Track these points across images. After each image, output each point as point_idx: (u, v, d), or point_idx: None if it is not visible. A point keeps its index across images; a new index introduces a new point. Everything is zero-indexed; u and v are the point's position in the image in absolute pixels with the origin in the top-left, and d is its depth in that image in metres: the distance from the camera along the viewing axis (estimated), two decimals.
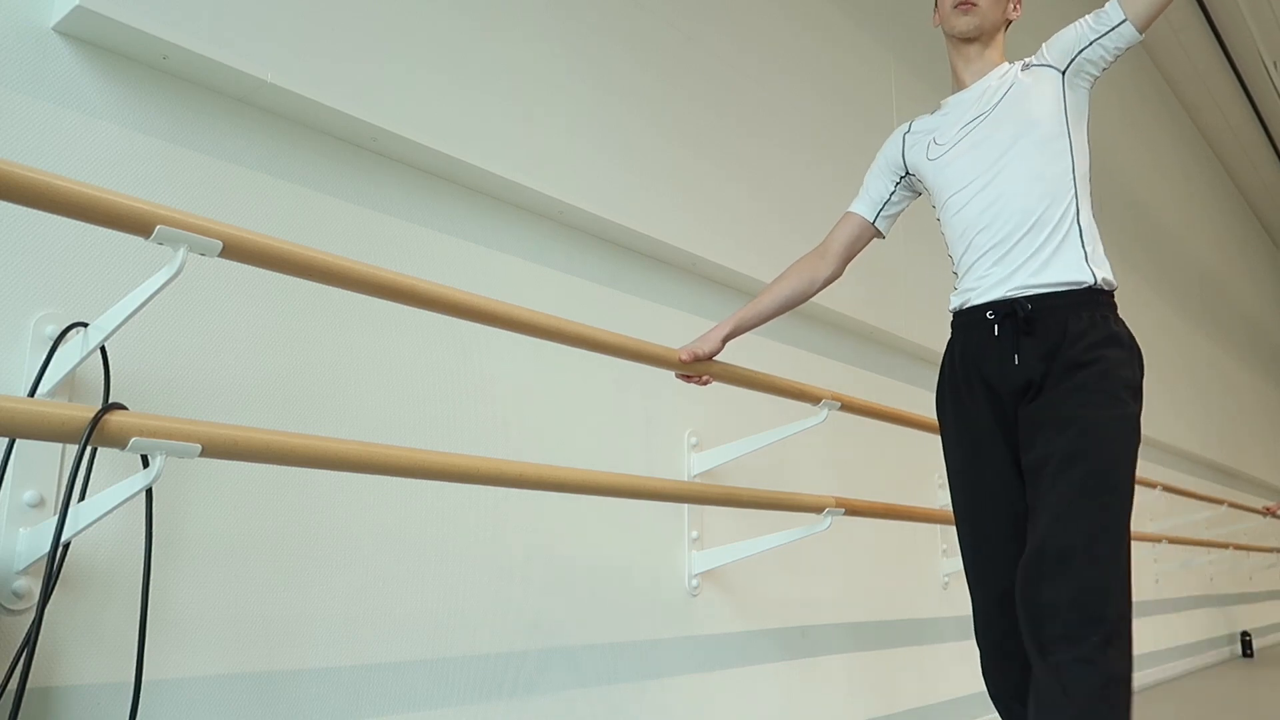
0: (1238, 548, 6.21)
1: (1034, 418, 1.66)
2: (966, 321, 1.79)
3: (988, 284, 1.74)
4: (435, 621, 1.77)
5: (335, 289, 1.69)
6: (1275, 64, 6.89)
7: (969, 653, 3.48)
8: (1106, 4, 1.70)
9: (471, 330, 1.92)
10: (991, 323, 1.72)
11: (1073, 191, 1.73)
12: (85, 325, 1.31)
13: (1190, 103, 7.85)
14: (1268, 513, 6.57)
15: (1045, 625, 1.53)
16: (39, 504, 1.28)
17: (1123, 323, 1.71)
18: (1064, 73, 1.77)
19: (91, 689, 1.32)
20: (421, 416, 1.81)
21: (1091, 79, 1.78)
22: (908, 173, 1.96)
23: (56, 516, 1.16)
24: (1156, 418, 5.66)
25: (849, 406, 2.39)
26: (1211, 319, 7.52)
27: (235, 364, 1.55)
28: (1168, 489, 4.85)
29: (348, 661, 1.63)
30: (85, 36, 1.43)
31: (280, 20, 1.62)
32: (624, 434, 2.24)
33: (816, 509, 2.28)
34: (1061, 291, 1.68)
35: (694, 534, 2.36)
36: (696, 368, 1.97)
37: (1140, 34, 1.68)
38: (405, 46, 1.82)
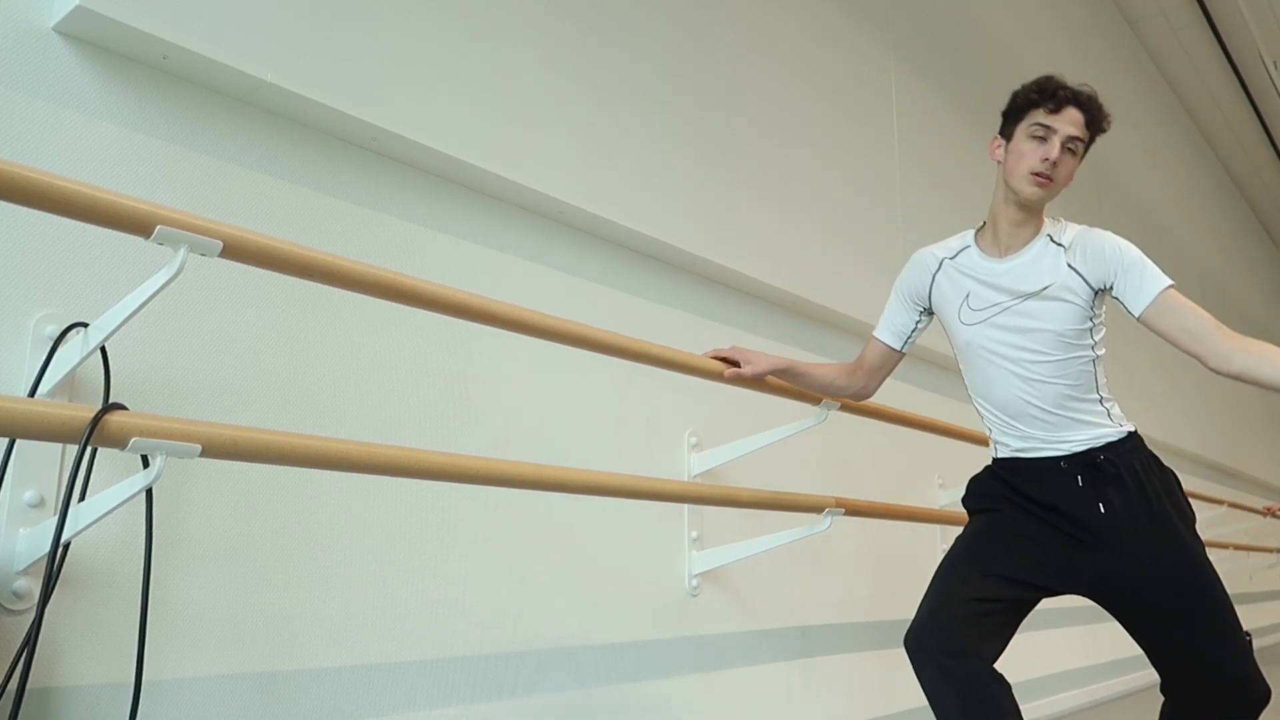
0: (1238, 548, 6.21)
1: (1148, 580, 1.77)
2: (1029, 467, 1.85)
3: (1040, 445, 1.84)
4: (435, 621, 1.77)
5: (335, 289, 1.69)
6: (1275, 64, 6.89)
7: None
8: (1147, 288, 1.75)
9: (471, 330, 1.92)
10: (1070, 473, 1.80)
11: (1093, 372, 1.83)
12: (85, 325, 1.31)
13: (1190, 103, 7.85)
14: (1269, 513, 6.56)
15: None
16: (39, 504, 1.28)
17: (1156, 460, 1.85)
18: (1095, 291, 1.81)
19: (91, 689, 1.32)
20: (421, 416, 1.81)
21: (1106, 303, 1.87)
22: (930, 309, 2.00)
23: (56, 516, 1.16)
24: (1157, 418, 5.66)
25: (849, 407, 2.39)
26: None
27: (235, 364, 1.55)
28: None
29: (348, 661, 1.62)
30: (85, 36, 1.43)
31: (280, 20, 1.62)
32: (624, 434, 2.24)
33: (816, 509, 2.28)
34: (1118, 441, 1.80)
35: (694, 534, 2.36)
36: (722, 365, 2.06)
37: (1137, 319, 1.78)
38: (405, 46, 1.82)
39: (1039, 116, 1.80)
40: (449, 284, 1.77)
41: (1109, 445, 1.79)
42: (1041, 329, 1.80)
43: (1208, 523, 6.37)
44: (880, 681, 2.99)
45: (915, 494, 3.34)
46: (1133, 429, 1.84)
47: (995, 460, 1.94)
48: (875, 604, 3.04)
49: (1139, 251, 1.79)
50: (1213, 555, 6.26)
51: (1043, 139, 1.79)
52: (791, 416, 2.40)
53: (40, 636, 1.27)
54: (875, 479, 3.14)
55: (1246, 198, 9.74)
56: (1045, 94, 1.81)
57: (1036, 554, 1.82)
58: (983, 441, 3.15)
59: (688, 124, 2.51)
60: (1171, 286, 1.75)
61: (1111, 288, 1.79)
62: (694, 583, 2.35)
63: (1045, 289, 1.80)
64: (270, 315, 1.61)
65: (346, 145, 1.78)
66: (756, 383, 2.14)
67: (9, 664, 1.21)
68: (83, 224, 1.38)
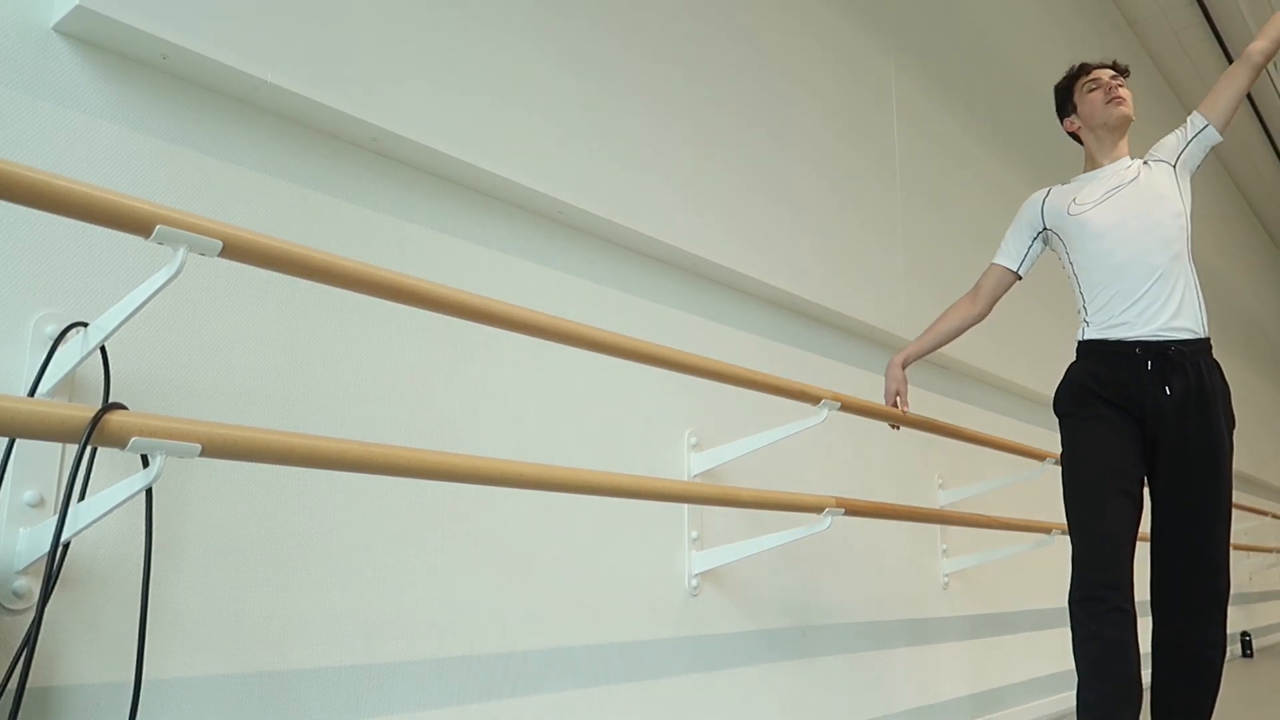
0: (1238, 548, 6.21)
1: (1183, 454, 2.18)
2: (1110, 351, 2.25)
3: (1129, 323, 2.22)
4: (435, 621, 1.77)
5: (335, 289, 1.69)
6: (1275, 64, 6.89)
7: (969, 653, 3.48)
8: (1193, 117, 2.31)
9: (471, 330, 1.92)
10: (1143, 358, 2.20)
11: (1188, 254, 2.26)
12: (85, 325, 1.31)
13: (1190, 103, 7.85)
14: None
15: (1196, 634, 2.15)
16: (39, 504, 1.28)
17: (1219, 365, 2.26)
18: (1174, 166, 2.33)
19: (91, 689, 1.32)
20: (421, 416, 1.81)
21: (1193, 170, 2.34)
22: (1045, 228, 2.44)
23: (56, 516, 1.16)
24: None
25: (849, 406, 2.39)
26: (1211, 319, 7.53)
27: (235, 364, 1.55)
28: None
29: (348, 661, 1.63)
30: (85, 36, 1.43)
31: (280, 20, 1.62)
32: (624, 434, 2.24)
33: (816, 509, 2.28)
34: (1191, 340, 2.20)
35: (694, 534, 2.36)
36: (898, 415, 2.51)
37: (1221, 135, 2.30)
38: (405, 46, 1.82)
39: (1083, 81, 2.42)
40: (449, 284, 1.78)
41: (1182, 341, 2.18)
42: (1146, 194, 2.26)
43: None
44: (880, 681, 2.99)
45: (915, 494, 3.34)
46: (1206, 335, 2.23)
47: (1081, 343, 2.32)
48: (875, 604, 3.04)
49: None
50: None
51: (1097, 85, 2.38)
52: (791, 416, 2.40)
53: (40, 636, 1.27)
54: (875, 479, 3.14)
55: (1246, 197, 9.75)
56: (1077, 70, 2.46)
57: (1131, 450, 2.19)
58: (983, 441, 3.16)
59: (688, 124, 2.51)
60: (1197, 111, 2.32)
61: (1180, 153, 2.32)
62: (694, 583, 2.35)
63: (1138, 177, 2.31)
64: (270, 315, 1.61)
65: (346, 145, 1.78)
66: (753, 379, 2.14)
67: (9, 664, 1.21)
68: (83, 224, 1.38)
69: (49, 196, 1.08)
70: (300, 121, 1.70)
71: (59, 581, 1.31)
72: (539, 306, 2.08)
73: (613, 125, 2.27)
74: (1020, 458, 3.35)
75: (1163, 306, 2.19)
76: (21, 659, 1.17)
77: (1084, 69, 2.44)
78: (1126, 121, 2.37)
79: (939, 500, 3.47)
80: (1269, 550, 6.97)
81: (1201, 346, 2.21)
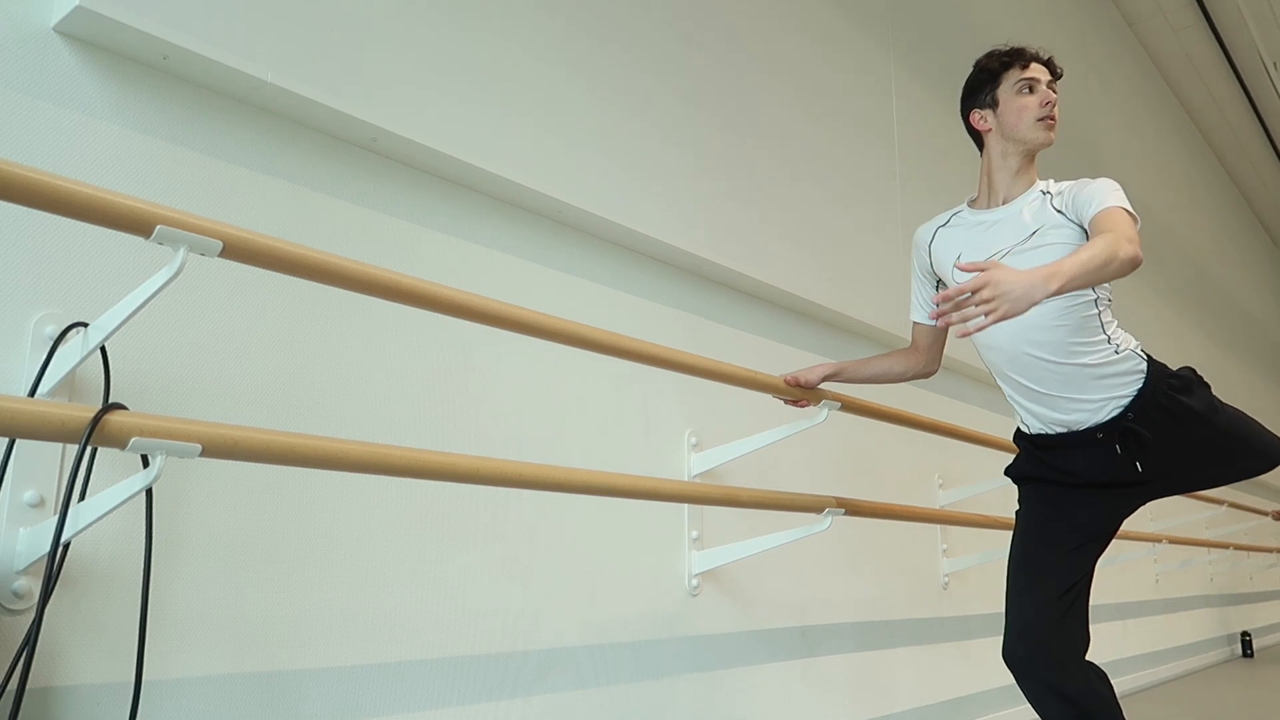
0: (1238, 548, 6.21)
1: (1173, 473, 1.93)
2: (1066, 443, 1.91)
3: (1067, 411, 1.88)
4: (435, 621, 1.77)
5: (335, 289, 1.69)
6: (1275, 64, 6.89)
7: (968, 653, 3.48)
8: (1096, 202, 1.78)
9: (471, 330, 1.92)
10: (1107, 443, 1.87)
11: (1096, 315, 1.86)
12: (85, 325, 1.31)
13: (1190, 103, 7.85)
14: (1277, 517, 6.57)
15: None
16: (39, 504, 1.28)
17: (1164, 369, 1.91)
18: (1083, 229, 1.83)
19: (91, 689, 1.32)
20: (422, 416, 1.81)
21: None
22: (939, 279, 2.08)
23: (56, 516, 1.16)
24: None
25: (849, 406, 2.39)
26: (1211, 318, 7.52)
27: (235, 364, 1.55)
28: None
29: (348, 661, 1.63)
30: (85, 36, 1.43)
31: (280, 20, 1.62)
32: (624, 434, 2.24)
33: (816, 509, 2.28)
34: (1137, 394, 1.84)
35: (694, 534, 2.36)
36: (795, 393, 2.20)
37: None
38: (405, 46, 1.82)
39: (1017, 75, 1.94)
40: (449, 284, 1.78)
41: (1133, 403, 1.84)
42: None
43: (1208, 523, 6.38)
44: (880, 681, 2.99)
45: (915, 494, 3.34)
46: (1143, 363, 1.87)
47: (1026, 438, 2.00)
48: (875, 604, 3.04)
49: (1113, 188, 1.81)
50: (1213, 555, 6.20)
51: (1032, 89, 1.93)
52: (791, 416, 2.40)
53: (40, 636, 1.27)
54: (875, 479, 3.14)
55: (1246, 197, 9.74)
56: (1015, 55, 1.96)
57: (1096, 514, 1.92)
58: (983, 441, 3.16)
59: (688, 124, 2.51)
60: (1123, 209, 1.74)
61: (1082, 224, 1.82)
62: (694, 583, 2.35)
63: (1034, 234, 1.86)
64: (270, 315, 1.61)
65: (346, 145, 1.78)
66: (754, 379, 2.14)
67: (9, 664, 1.21)
68: (83, 224, 1.38)
69: (49, 196, 1.08)
70: (300, 121, 1.70)
71: (59, 581, 1.31)
72: (539, 306, 2.08)
73: (613, 125, 2.27)
74: None
75: (1091, 390, 1.85)
76: (21, 659, 1.17)
77: (1021, 57, 1.95)
78: (1046, 147, 1.95)
79: (939, 500, 3.47)
80: (1269, 550, 6.97)
81: (1150, 389, 1.85)
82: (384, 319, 1.78)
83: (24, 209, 1.32)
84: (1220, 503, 5.79)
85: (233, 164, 1.60)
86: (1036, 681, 1.87)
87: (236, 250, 1.24)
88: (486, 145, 1.94)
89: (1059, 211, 1.86)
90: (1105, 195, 1.78)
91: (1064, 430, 1.91)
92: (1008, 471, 2.08)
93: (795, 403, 2.26)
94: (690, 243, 2.43)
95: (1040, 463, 1.97)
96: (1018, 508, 2.05)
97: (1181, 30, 6.80)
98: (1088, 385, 1.85)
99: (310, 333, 1.66)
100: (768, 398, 2.60)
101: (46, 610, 1.27)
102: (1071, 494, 1.94)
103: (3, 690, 1.19)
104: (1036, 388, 1.89)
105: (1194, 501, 5.72)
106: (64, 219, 1.32)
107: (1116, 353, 1.86)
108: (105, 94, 1.45)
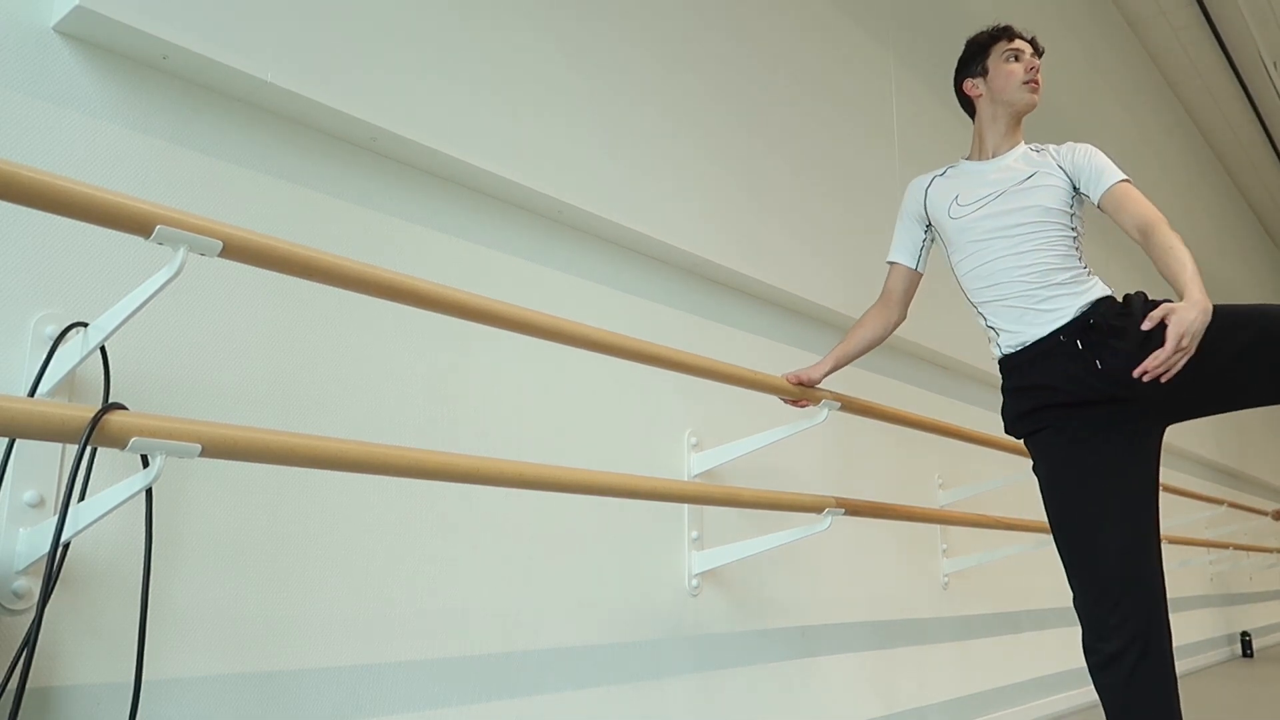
0: (1238, 548, 6.21)
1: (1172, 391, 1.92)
2: (1035, 352, 2.03)
3: (1037, 323, 2.02)
4: (435, 621, 1.77)
5: (335, 289, 1.69)
6: (1275, 64, 6.89)
7: (968, 653, 3.48)
8: (1105, 179, 2.03)
9: (471, 330, 1.92)
10: (1069, 342, 1.98)
11: (1074, 248, 2.07)
12: (85, 325, 1.31)
13: (1190, 103, 7.85)
14: (1277, 516, 6.57)
15: None
16: (39, 504, 1.28)
17: (1136, 298, 2.01)
18: (1071, 181, 2.09)
19: (91, 689, 1.32)
20: (421, 416, 1.81)
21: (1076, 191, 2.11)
22: (930, 223, 2.26)
23: (56, 516, 1.16)
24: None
25: (849, 406, 2.39)
26: None
27: (235, 364, 1.55)
28: (1167, 489, 4.85)
29: (348, 661, 1.63)
30: (85, 36, 1.43)
31: (280, 20, 1.62)
32: (624, 434, 2.24)
33: (816, 509, 2.28)
34: (1098, 300, 2.00)
35: (694, 534, 2.36)
36: (796, 392, 2.25)
37: (1097, 208, 2.06)
38: (405, 46, 1.82)
39: (1004, 46, 2.19)
40: (449, 284, 1.78)
41: (1093, 306, 1.98)
42: (1026, 206, 2.05)
43: (1208, 523, 6.38)
44: (880, 681, 2.99)
45: (915, 494, 3.34)
46: (1110, 292, 2.03)
47: (1002, 360, 2.11)
48: (875, 604, 3.04)
49: (1105, 157, 2.09)
50: (1213, 555, 6.19)
51: (1017, 58, 2.17)
52: (791, 416, 2.40)
53: (40, 636, 1.27)
54: (875, 479, 3.14)
55: (1246, 197, 9.74)
56: (1000, 30, 2.22)
57: (1117, 457, 1.96)
58: (983, 441, 3.16)
59: (688, 124, 2.51)
60: (1126, 180, 2.02)
61: (1078, 182, 2.07)
62: (694, 583, 2.35)
63: (1029, 178, 2.09)
64: (270, 315, 1.61)
65: (346, 145, 1.78)
66: (754, 379, 2.14)
67: (9, 664, 1.21)
68: (83, 224, 1.38)
69: (49, 196, 1.08)
70: (300, 121, 1.70)
71: (59, 581, 1.31)
72: (539, 306, 2.08)
73: (612, 125, 2.27)
74: (1020, 457, 3.35)
75: (1061, 299, 2.00)
76: (21, 659, 1.17)
77: (1008, 32, 2.20)
78: (1031, 109, 2.17)
79: (939, 500, 3.47)
80: (1269, 550, 6.97)
81: (1109, 301, 2.00)
82: (384, 319, 1.78)
83: (24, 209, 1.32)
84: (1220, 502, 5.79)
85: (233, 164, 1.60)
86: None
87: (236, 250, 1.24)
88: (487, 145, 1.94)
89: (1055, 162, 2.10)
90: (1109, 168, 2.04)
91: (1035, 340, 2.02)
92: (1009, 430, 2.14)
93: (796, 403, 2.30)
94: (690, 242, 2.43)
95: (1024, 393, 2.05)
96: (1039, 470, 2.09)
97: (1181, 30, 6.80)
98: (1058, 298, 2.01)
99: (310, 333, 1.66)
100: (768, 398, 2.60)
101: (46, 610, 1.27)
102: (1081, 429, 1.98)
103: (3, 690, 1.19)
104: (1017, 305, 2.04)
105: (1194, 502, 5.72)
106: (64, 219, 1.32)
107: (1088, 275, 2.05)
108: (105, 94, 1.45)
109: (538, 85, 2.09)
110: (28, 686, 1.23)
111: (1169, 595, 5.57)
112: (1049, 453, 2.02)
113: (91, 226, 1.38)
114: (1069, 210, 2.07)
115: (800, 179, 2.92)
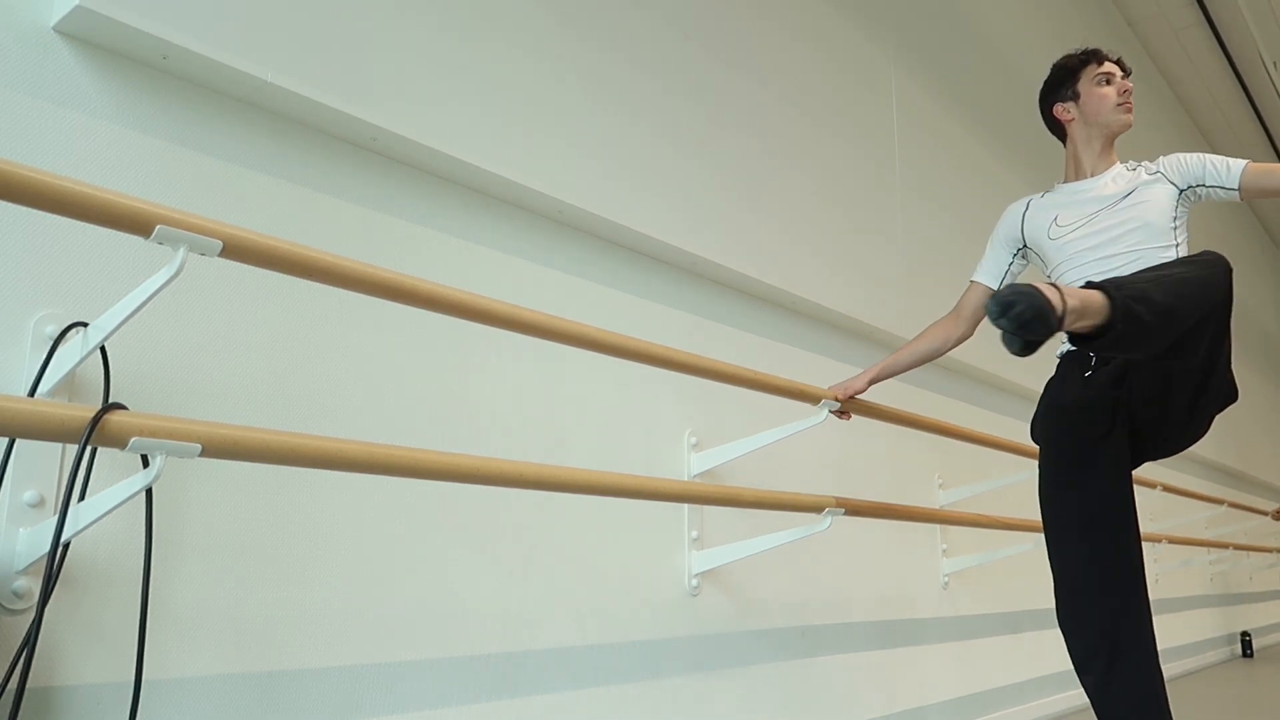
0: (1238, 548, 6.21)
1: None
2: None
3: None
4: (435, 621, 1.77)
5: (335, 289, 1.69)
6: (1275, 64, 6.89)
7: (968, 653, 3.48)
8: (1234, 165, 2.05)
9: (471, 330, 1.92)
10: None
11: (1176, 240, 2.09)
12: (85, 325, 1.31)
13: (1190, 103, 7.85)
14: (1277, 516, 6.57)
15: None
16: (39, 504, 1.28)
17: None
18: (1181, 191, 2.12)
19: (91, 689, 1.32)
20: (421, 416, 1.81)
21: (1195, 201, 2.14)
22: (1025, 245, 2.29)
23: (56, 516, 1.16)
24: None
25: (849, 406, 2.39)
26: None
27: (235, 364, 1.55)
28: (1167, 489, 4.85)
29: (348, 661, 1.63)
30: (85, 36, 1.43)
31: (280, 20, 1.62)
32: (624, 434, 2.24)
33: (816, 509, 2.28)
34: None
35: (694, 534, 2.36)
36: (809, 397, 2.26)
37: (1240, 200, 2.09)
38: (406, 46, 1.82)
39: (1095, 70, 2.24)
40: (449, 284, 1.78)
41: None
42: (1125, 222, 2.08)
43: (1208, 523, 6.38)
44: (880, 681, 2.99)
45: (915, 494, 3.34)
46: None
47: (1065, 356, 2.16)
48: (875, 604, 3.04)
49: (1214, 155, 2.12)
50: (1213, 555, 6.19)
51: (1109, 81, 2.22)
52: (791, 416, 2.40)
53: (40, 636, 1.27)
54: (875, 479, 3.14)
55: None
56: (1090, 54, 2.27)
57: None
58: (983, 441, 3.16)
59: (688, 124, 2.51)
60: (1249, 162, 2.05)
61: (1197, 185, 2.10)
62: (694, 583, 2.35)
63: (1129, 195, 2.13)
64: (270, 315, 1.61)
65: (346, 145, 1.78)
66: (753, 379, 2.14)
67: (9, 664, 1.21)
68: (83, 224, 1.38)
69: (49, 196, 1.08)
70: (300, 121, 1.70)
71: (59, 581, 1.31)
72: (539, 306, 2.08)
73: (614, 125, 2.27)
74: (1020, 458, 3.35)
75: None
76: (21, 659, 1.17)
77: (1097, 55, 2.25)
78: (1126, 130, 2.24)
79: (939, 500, 3.47)
80: (1269, 550, 6.97)
81: None
82: (384, 319, 1.78)
83: (24, 209, 1.32)
84: (1220, 502, 5.79)
85: (233, 164, 1.60)
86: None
87: (236, 250, 1.24)
88: (487, 145, 1.94)
89: (1159, 173, 2.13)
90: (1230, 159, 2.07)
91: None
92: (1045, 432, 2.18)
93: (842, 415, 2.36)
94: (690, 243, 2.43)
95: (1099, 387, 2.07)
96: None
97: (1181, 30, 6.80)
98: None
99: (310, 333, 1.66)
100: (768, 398, 2.60)
101: (46, 610, 1.27)
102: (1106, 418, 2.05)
103: (3, 690, 1.19)
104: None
105: (1194, 501, 5.72)
106: (64, 219, 1.32)
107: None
108: (105, 94, 1.45)
109: (538, 85, 2.09)
110: (28, 686, 1.23)
111: (1164, 596, 5.57)
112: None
113: (91, 226, 1.38)
114: (1173, 222, 2.09)
115: (800, 179, 2.92)
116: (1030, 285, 1.56)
